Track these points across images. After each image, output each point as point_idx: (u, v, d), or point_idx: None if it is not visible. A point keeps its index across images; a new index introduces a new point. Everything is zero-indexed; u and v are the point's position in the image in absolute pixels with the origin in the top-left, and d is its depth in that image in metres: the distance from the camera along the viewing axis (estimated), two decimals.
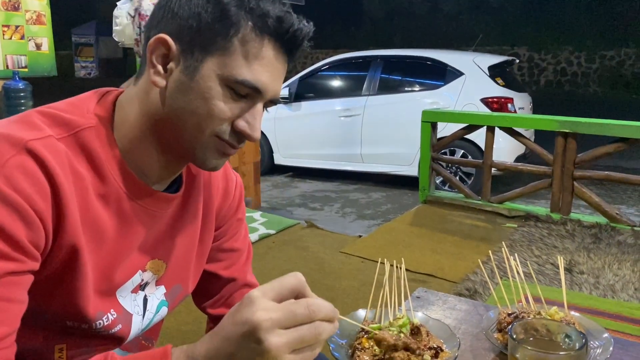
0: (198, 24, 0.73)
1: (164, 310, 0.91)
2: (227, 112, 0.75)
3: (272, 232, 3.76)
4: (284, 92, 6.25)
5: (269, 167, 6.45)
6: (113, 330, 0.82)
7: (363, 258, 3.29)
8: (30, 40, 6.68)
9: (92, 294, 0.77)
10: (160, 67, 0.76)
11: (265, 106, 0.80)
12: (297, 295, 0.62)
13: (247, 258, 1.05)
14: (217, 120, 0.75)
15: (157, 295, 0.89)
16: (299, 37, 0.77)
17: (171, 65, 0.75)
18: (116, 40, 4.08)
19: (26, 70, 6.64)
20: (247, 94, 0.75)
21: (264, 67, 0.75)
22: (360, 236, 3.80)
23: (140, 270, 0.84)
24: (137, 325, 0.86)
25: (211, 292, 1.02)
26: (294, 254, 3.39)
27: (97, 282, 0.77)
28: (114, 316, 0.81)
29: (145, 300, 0.87)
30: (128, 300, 0.84)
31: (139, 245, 0.82)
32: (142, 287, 0.86)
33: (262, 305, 0.59)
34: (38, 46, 6.78)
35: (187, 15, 0.74)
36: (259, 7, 0.74)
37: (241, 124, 0.77)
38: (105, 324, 0.80)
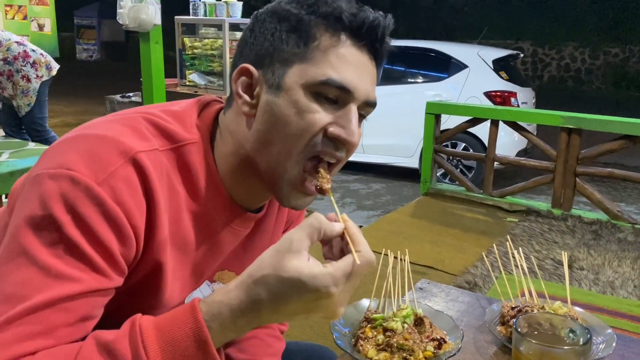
0: (274, 44, 0.73)
1: None
2: (317, 121, 0.72)
3: None
4: None
5: None
6: None
7: None
8: (33, 20, 6.65)
9: (162, 309, 0.76)
10: (246, 97, 0.75)
11: (363, 112, 0.77)
12: (324, 232, 0.63)
13: None
14: (308, 134, 0.72)
15: None
16: (376, 30, 0.74)
17: (257, 90, 0.74)
18: (120, 22, 4.05)
19: None
20: (336, 96, 0.72)
21: (348, 65, 0.72)
22: (360, 227, 3.80)
23: (207, 281, 0.84)
24: None
25: None
26: None
27: (171, 294, 0.76)
28: None
29: None
30: None
31: (213, 258, 0.82)
32: None
33: (330, 279, 0.59)
34: (41, 27, 6.74)
35: (262, 39, 0.74)
36: (329, 7, 0.72)
37: (335, 129, 0.72)
38: None
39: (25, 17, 6.68)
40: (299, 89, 0.71)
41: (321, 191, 0.75)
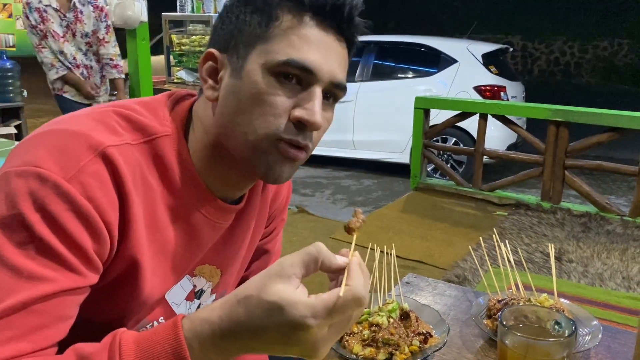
0: (238, 26, 0.71)
1: None
2: (279, 104, 0.69)
3: None
4: None
5: None
6: None
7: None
8: (18, 18, 6.58)
9: (142, 304, 0.75)
10: (211, 81, 0.74)
11: (330, 95, 0.74)
12: (322, 263, 0.59)
13: (277, 259, 1.05)
14: (270, 117, 0.69)
15: (208, 303, 0.88)
16: (341, 9, 0.71)
17: (221, 74, 0.73)
18: None
19: (14, 49, 6.55)
20: (299, 78, 0.70)
21: (311, 45, 0.69)
22: None
23: (188, 275, 0.82)
24: None
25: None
26: (285, 239, 3.36)
27: (150, 289, 0.74)
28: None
29: (198, 308, 0.86)
30: (183, 308, 0.82)
31: (192, 251, 0.80)
32: (197, 295, 0.84)
33: (309, 309, 0.55)
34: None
35: (228, 23, 0.73)
36: None
37: (298, 111, 0.70)
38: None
39: (10, 15, 6.61)
40: (260, 70, 0.69)
41: (348, 230, 0.71)
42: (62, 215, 0.61)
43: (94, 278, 0.65)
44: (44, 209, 0.60)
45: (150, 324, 0.78)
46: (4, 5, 6.54)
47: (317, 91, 0.71)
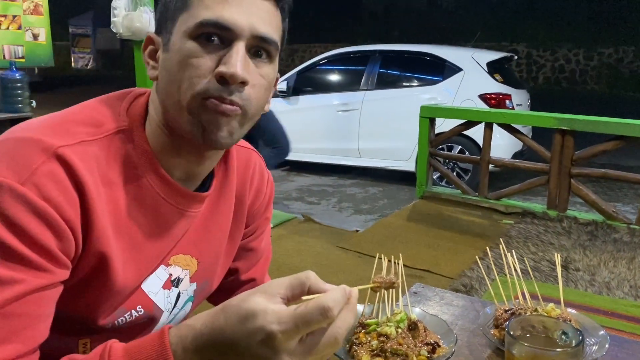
0: (166, 5, 0.75)
1: (189, 306, 0.91)
2: (202, 64, 0.70)
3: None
4: (282, 86, 6.24)
5: None
6: (137, 323, 0.82)
7: (360, 253, 3.29)
8: (27, 30, 6.65)
9: (117, 295, 0.76)
10: (152, 62, 0.76)
11: (261, 50, 0.74)
12: (309, 288, 0.59)
13: (267, 259, 1.05)
14: (194, 78, 0.70)
15: (188, 292, 0.89)
16: None
17: (158, 53, 0.76)
18: (114, 31, 4.05)
19: (23, 60, 6.61)
20: (219, 35, 0.70)
21: (227, 4, 0.70)
22: (357, 231, 3.81)
23: (163, 265, 0.83)
24: (163, 320, 0.86)
25: (228, 290, 1.01)
26: (291, 248, 3.39)
27: (124, 281, 0.76)
28: (140, 313, 0.81)
29: (178, 296, 0.87)
30: (161, 296, 0.83)
31: (166, 241, 0.81)
32: (174, 283, 0.85)
33: (275, 316, 0.55)
34: (35, 36, 6.75)
35: (160, 6, 0.76)
36: None
37: (219, 68, 0.70)
38: (129, 320, 0.80)
39: (19, 27, 6.68)
40: (183, 38, 0.71)
41: (390, 285, 0.72)
42: (21, 217, 0.62)
43: (63, 274, 0.67)
44: (2, 213, 0.62)
45: (129, 312, 0.79)
46: (14, 17, 6.62)
47: (237, 46, 0.70)
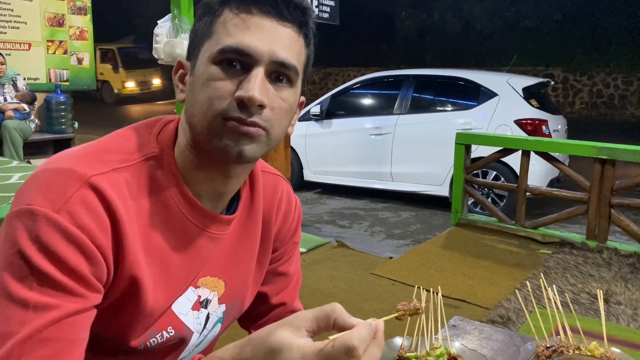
0: (195, 33, 0.79)
1: (218, 327, 0.93)
2: (222, 88, 0.74)
3: (303, 250, 3.77)
4: (316, 110, 6.31)
5: (299, 183, 6.49)
6: (169, 345, 0.84)
7: (394, 280, 3.26)
8: (72, 55, 6.93)
9: (148, 317, 0.79)
10: (181, 85, 0.81)
11: (280, 73, 0.76)
12: (335, 321, 0.60)
13: (297, 283, 1.06)
14: (215, 100, 0.74)
15: (217, 313, 0.91)
16: None
17: (187, 77, 0.80)
18: (155, 57, 4.19)
19: (67, 83, 6.88)
20: (240, 61, 0.74)
21: (246, 30, 0.74)
22: (391, 257, 3.78)
23: (192, 287, 0.85)
24: (194, 342, 0.88)
25: (259, 314, 1.03)
26: (324, 274, 3.38)
27: (154, 303, 0.78)
28: (171, 334, 0.83)
29: (207, 317, 0.89)
30: (190, 317, 0.86)
31: (194, 263, 0.83)
32: (203, 304, 0.87)
33: (300, 353, 0.57)
34: (80, 61, 7.02)
35: (191, 33, 0.81)
36: None
37: (238, 92, 0.74)
38: (160, 341, 0.82)
39: (65, 52, 6.96)
40: (207, 63, 0.75)
41: (414, 311, 0.74)
42: (55, 244, 0.65)
43: (96, 298, 0.70)
44: (38, 241, 0.65)
45: (160, 334, 0.81)
46: (60, 42, 6.90)
47: (256, 70, 0.74)
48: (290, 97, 0.78)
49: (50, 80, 6.77)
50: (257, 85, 0.73)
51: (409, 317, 0.75)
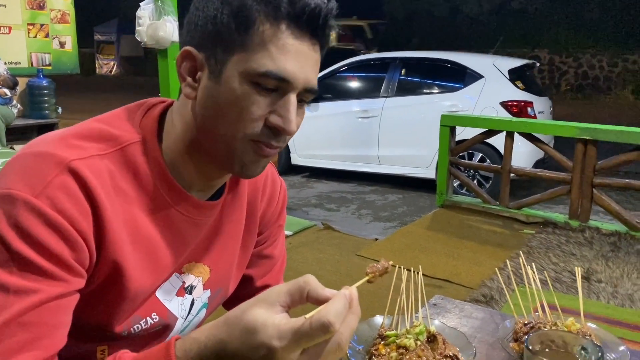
0: (216, 27, 0.73)
1: (203, 312, 0.93)
2: (256, 110, 0.73)
3: (289, 233, 3.79)
4: None
5: (286, 167, 6.48)
6: (153, 331, 0.84)
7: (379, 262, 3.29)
8: (54, 38, 6.80)
9: (131, 303, 0.79)
10: (190, 79, 0.77)
11: (303, 98, 0.77)
12: (309, 293, 0.59)
13: (282, 266, 1.07)
14: (247, 122, 0.73)
15: (202, 298, 0.91)
16: (318, 15, 0.72)
17: (199, 74, 0.76)
18: (138, 40, 4.13)
19: (50, 67, 6.76)
20: (276, 86, 0.73)
21: (288, 55, 0.72)
22: (376, 239, 3.81)
23: (176, 273, 0.85)
24: (178, 327, 0.88)
25: (244, 297, 1.01)
26: (310, 256, 3.41)
27: (138, 289, 0.78)
28: (155, 320, 0.83)
29: (192, 303, 0.89)
30: (175, 303, 0.86)
31: (178, 249, 0.83)
32: (187, 290, 0.87)
33: (276, 331, 0.56)
34: (62, 44, 6.90)
35: (205, 21, 0.74)
36: None
37: (274, 118, 0.73)
38: (144, 327, 0.82)
39: (47, 35, 6.83)
40: (238, 77, 0.72)
41: (384, 271, 0.73)
42: (35, 229, 0.65)
43: (79, 283, 0.69)
44: (18, 226, 0.65)
45: (144, 320, 0.81)
46: (41, 25, 6.77)
47: (292, 99, 0.74)
48: (304, 113, 0.79)
49: (32, 64, 6.65)
50: (294, 115, 0.74)
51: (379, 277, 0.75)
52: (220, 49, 0.73)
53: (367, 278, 0.71)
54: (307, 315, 0.57)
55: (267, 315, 0.57)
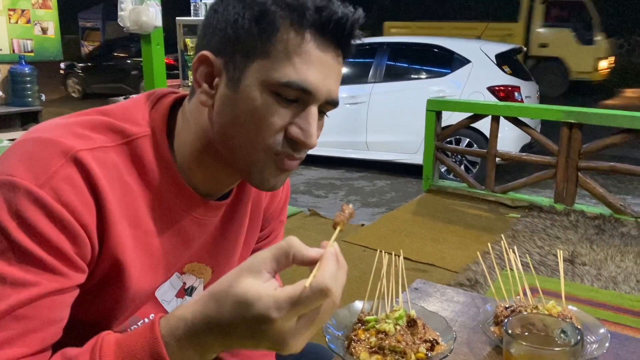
0: (236, 32, 0.70)
1: None
2: (276, 122, 0.70)
3: None
4: None
5: None
6: None
7: (365, 247, 3.30)
8: (36, 24, 6.67)
9: (130, 302, 0.76)
10: (206, 85, 0.73)
11: (324, 110, 0.75)
12: (294, 256, 0.58)
13: None
14: (267, 133, 0.70)
15: None
16: (344, 26, 0.70)
17: (217, 81, 0.72)
18: (121, 25, 4.07)
19: (32, 54, 6.64)
20: (297, 97, 0.70)
21: (311, 65, 0.69)
22: (362, 225, 3.81)
23: (177, 273, 0.83)
24: None
25: None
26: None
27: (137, 288, 0.76)
28: None
29: None
30: (174, 305, 0.83)
31: (181, 249, 0.81)
32: (188, 292, 0.85)
33: (272, 301, 0.55)
34: (44, 30, 6.77)
35: (225, 26, 0.71)
36: (295, 1, 0.68)
37: (294, 130, 0.71)
38: None
39: (28, 21, 6.70)
40: (258, 86, 0.69)
41: (333, 224, 0.71)
42: (37, 220, 0.62)
43: (79, 278, 0.67)
44: (19, 216, 0.62)
45: (142, 321, 0.80)
46: (22, 11, 6.64)
47: (314, 111, 0.71)
48: (323, 124, 0.77)
49: (13, 51, 6.53)
50: (315, 129, 0.72)
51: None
52: (240, 55, 0.70)
53: (339, 229, 0.69)
54: (307, 284, 0.56)
55: (258, 285, 0.56)
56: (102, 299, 0.74)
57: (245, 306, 0.55)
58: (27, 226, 0.62)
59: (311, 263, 0.59)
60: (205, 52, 0.72)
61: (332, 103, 0.74)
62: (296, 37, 0.68)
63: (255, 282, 0.56)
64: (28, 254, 0.62)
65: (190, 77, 5.40)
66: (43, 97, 6.60)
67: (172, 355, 0.58)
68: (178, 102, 0.80)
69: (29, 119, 6.11)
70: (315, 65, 0.69)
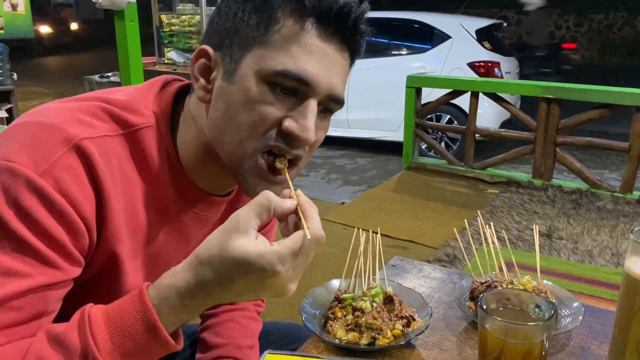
0: (235, 24, 0.68)
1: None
2: (270, 113, 0.67)
3: None
4: None
5: None
6: None
7: (345, 225, 3.30)
8: (5, 1, 6.46)
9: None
10: (203, 80, 0.71)
11: (328, 107, 0.72)
12: (274, 209, 0.61)
13: None
14: (259, 126, 0.67)
15: None
16: (347, 17, 0.67)
17: (214, 74, 0.70)
18: (93, 1, 3.95)
19: (2, 32, 6.44)
20: (294, 88, 0.67)
21: (311, 55, 0.66)
22: (343, 203, 3.81)
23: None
24: None
25: None
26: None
27: (133, 284, 0.74)
28: None
29: None
30: None
31: (179, 245, 0.79)
32: None
33: (275, 257, 0.58)
34: (14, 7, 6.56)
35: (225, 18, 0.69)
36: None
37: (289, 123, 0.67)
38: None
39: None
40: (253, 76, 0.66)
41: (273, 170, 0.71)
42: (36, 210, 0.60)
43: (74, 271, 0.65)
44: (17, 204, 0.60)
45: None
46: None
47: (313, 105, 0.68)
48: (328, 127, 0.74)
49: None
50: (312, 123, 0.68)
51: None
52: (238, 47, 0.68)
53: (287, 175, 0.72)
54: (308, 235, 0.60)
55: (254, 244, 0.58)
56: (97, 293, 0.72)
57: (248, 265, 0.57)
58: (25, 215, 0.60)
59: (289, 214, 0.62)
60: (204, 46, 0.71)
61: (336, 100, 0.71)
62: (296, 25, 0.66)
63: (250, 242, 0.58)
64: (24, 243, 0.60)
65: (167, 54, 5.31)
66: (15, 76, 6.43)
67: (166, 322, 0.59)
68: (183, 91, 0.78)
69: (0, 98, 5.95)
70: (315, 55, 0.67)
